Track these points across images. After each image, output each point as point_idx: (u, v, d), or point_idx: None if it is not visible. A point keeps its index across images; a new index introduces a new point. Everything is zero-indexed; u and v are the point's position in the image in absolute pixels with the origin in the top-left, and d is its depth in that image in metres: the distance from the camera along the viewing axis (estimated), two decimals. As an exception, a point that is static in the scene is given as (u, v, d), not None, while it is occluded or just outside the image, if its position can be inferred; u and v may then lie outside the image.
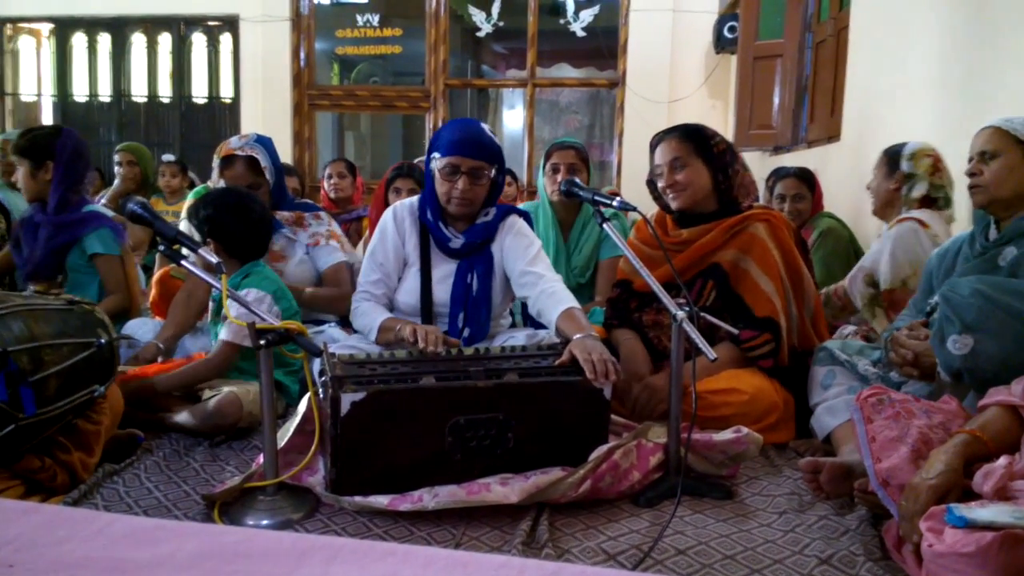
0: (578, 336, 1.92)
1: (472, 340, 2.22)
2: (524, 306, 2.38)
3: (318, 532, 1.65)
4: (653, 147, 2.39)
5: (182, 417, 2.19)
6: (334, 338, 2.43)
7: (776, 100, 5.56)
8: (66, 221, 2.73)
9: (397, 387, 1.74)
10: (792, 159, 5.04)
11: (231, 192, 2.47)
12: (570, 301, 2.11)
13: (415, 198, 2.35)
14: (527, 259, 2.22)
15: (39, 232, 2.73)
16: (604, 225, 1.99)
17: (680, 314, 1.76)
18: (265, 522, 1.68)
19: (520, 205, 3.31)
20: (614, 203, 2.01)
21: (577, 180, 2.15)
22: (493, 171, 2.19)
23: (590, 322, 2.37)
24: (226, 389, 2.19)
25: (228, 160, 2.68)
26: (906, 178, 2.75)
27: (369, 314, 2.20)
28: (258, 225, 2.38)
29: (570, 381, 1.83)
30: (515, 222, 2.30)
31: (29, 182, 2.70)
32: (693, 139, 2.32)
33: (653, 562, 1.54)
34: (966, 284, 1.67)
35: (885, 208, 2.86)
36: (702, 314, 1.85)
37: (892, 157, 2.82)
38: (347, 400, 1.67)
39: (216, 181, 2.72)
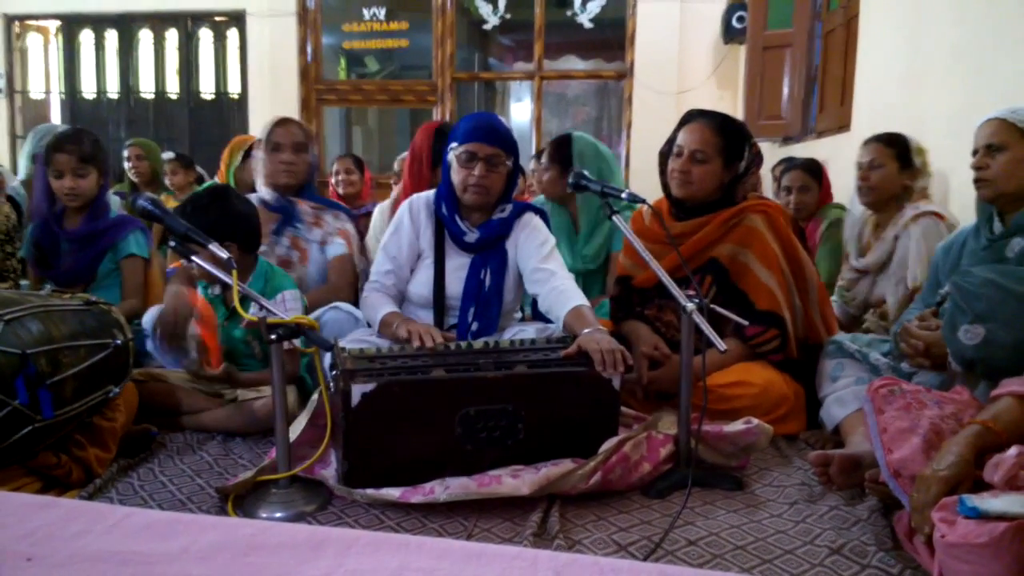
0: (586, 331, 1.93)
1: (481, 335, 2.23)
2: (534, 301, 2.38)
3: (331, 524, 1.66)
4: (684, 121, 2.33)
5: (215, 417, 2.20)
6: (348, 310, 2.46)
7: (785, 90, 5.53)
8: (105, 226, 2.72)
9: (407, 378, 1.75)
10: (802, 149, 5.01)
11: (201, 193, 2.40)
12: (580, 299, 2.12)
13: (431, 192, 2.35)
14: (540, 256, 2.23)
15: (65, 244, 2.69)
16: (614, 217, 1.99)
17: (690, 306, 1.76)
18: (278, 515, 1.69)
19: (532, 200, 3.31)
20: (623, 195, 2.01)
21: (585, 172, 2.15)
22: (510, 162, 2.20)
23: (599, 315, 2.37)
24: (267, 391, 2.16)
25: (283, 121, 2.79)
26: (918, 173, 2.71)
27: (375, 307, 2.21)
28: (246, 203, 2.36)
29: (579, 371, 1.84)
30: (531, 219, 2.31)
31: (94, 188, 2.66)
32: (727, 136, 2.26)
33: (664, 553, 1.55)
34: (977, 273, 1.66)
35: (888, 201, 2.76)
36: (711, 306, 1.85)
37: (901, 150, 2.73)
38: (357, 391, 1.68)
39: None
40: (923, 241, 2.57)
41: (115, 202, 2.88)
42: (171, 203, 4.68)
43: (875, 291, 2.75)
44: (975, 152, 1.88)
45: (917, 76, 3.50)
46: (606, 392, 1.86)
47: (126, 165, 4.76)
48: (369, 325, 2.30)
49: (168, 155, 4.84)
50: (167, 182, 4.80)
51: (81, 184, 2.63)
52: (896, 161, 2.71)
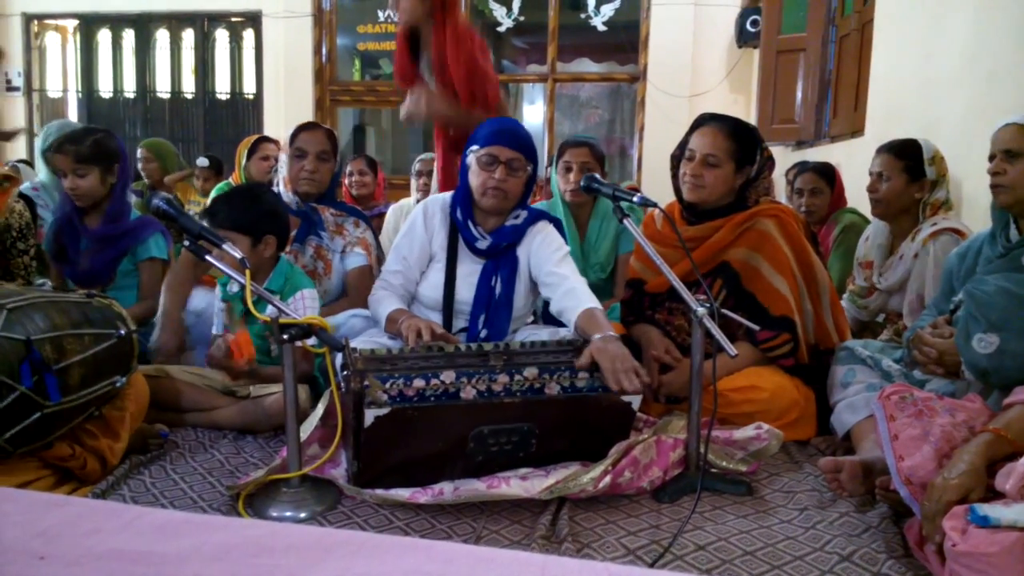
0: (597, 337, 1.87)
1: (490, 341, 2.22)
2: (545, 305, 2.38)
3: (340, 524, 1.67)
4: (696, 125, 2.32)
5: (227, 414, 2.21)
6: (366, 315, 2.43)
7: (799, 94, 5.51)
8: (126, 228, 2.72)
9: (421, 405, 1.72)
10: (815, 154, 4.99)
11: (244, 187, 2.40)
12: (591, 301, 2.09)
13: (448, 194, 2.36)
14: (554, 261, 2.21)
15: (85, 243, 2.70)
16: (625, 221, 1.99)
17: (700, 310, 1.76)
18: (288, 514, 1.70)
19: (533, 205, 3.29)
20: (635, 199, 2.00)
21: (597, 176, 2.14)
22: (529, 168, 2.20)
23: (609, 320, 2.36)
24: (277, 388, 2.17)
25: (310, 126, 2.72)
26: (932, 185, 2.59)
27: (382, 303, 2.22)
28: (278, 196, 2.35)
29: (600, 396, 1.81)
30: (545, 226, 2.30)
31: (98, 188, 2.67)
32: (739, 141, 2.25)
33: (673, 558, 1.54)
34: (992, 281, 1.65)
35: (900, 214, 2.65)
36: (722, 310, 1.84)
37: (911, 161, 2.60)
38: (371, 415, 1.67)
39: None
40: (934, 260, 2.47)
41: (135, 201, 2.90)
42: (194, 196, 4.86)
43: (890, 303, 2.71)
44: (992, 157, 1.85)
45: (931, 81, 3.48)
46: (624, 413, 1.85)
47: (139, 165, 4.85)
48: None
49: (203, 163, 4.96)
50: (196, 185, 4.92)
51: (80, 184, 2.63)
52: (905, 174, 2.59)
